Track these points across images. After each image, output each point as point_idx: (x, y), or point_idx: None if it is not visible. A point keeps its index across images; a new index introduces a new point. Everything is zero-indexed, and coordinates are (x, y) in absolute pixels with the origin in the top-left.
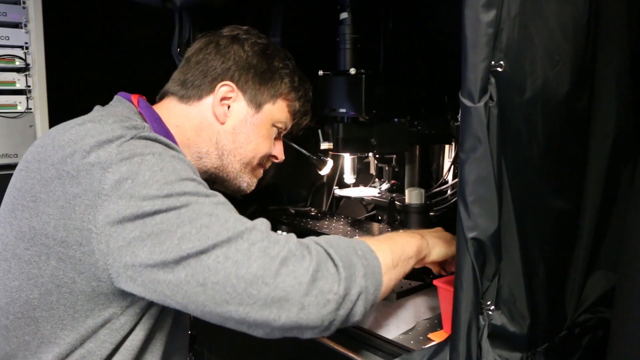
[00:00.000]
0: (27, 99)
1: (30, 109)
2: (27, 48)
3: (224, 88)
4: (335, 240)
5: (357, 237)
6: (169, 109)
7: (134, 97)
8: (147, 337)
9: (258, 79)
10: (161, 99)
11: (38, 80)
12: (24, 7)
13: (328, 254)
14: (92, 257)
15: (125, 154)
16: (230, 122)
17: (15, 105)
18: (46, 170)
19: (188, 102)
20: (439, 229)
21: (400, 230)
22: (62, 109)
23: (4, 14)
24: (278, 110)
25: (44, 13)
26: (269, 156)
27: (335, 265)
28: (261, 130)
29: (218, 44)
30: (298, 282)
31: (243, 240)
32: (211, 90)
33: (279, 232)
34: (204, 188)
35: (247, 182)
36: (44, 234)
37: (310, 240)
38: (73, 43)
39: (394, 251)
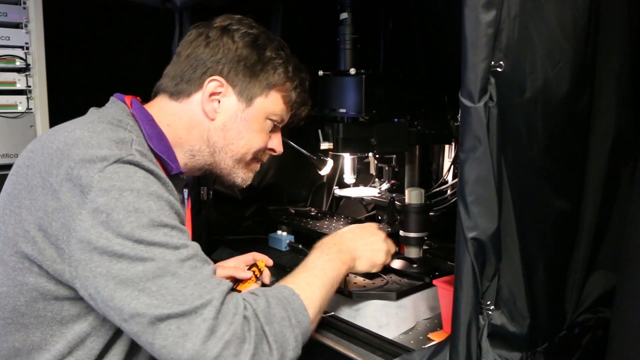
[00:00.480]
0: (28, 99)
1: (31, 109)
2: (27, 48)
3: (213, 83)
4: (273, 309)
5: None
6: (161, 108)
7: (128, 99)
8: (133, 340)
9: (248, 71)
10: (155, 96)
11: (38, 80)
12: (24, 8)
13: (264, 332)
14: (63, 274)
15: (105, 183)
16: (220, 118)
17: (15, 106)
18: (33, 177)
19: (178, 100)
20: (374, 238)
21: (334, 247)
22: (62, 109)
23: (5, 14)
24: (272, 103)
25: (44, 13)
26: (265, 150)
27: (270, 346)
28: (253, 124)
29: (208, 36)
30: None
31: (196, 315)
32: (200, 86)
33: (279, 232)
34: (176, 236)
35: (242, 177)
36: (24, 242)
37: (252, 312)
38: (73, 43)
39: (324, 294)
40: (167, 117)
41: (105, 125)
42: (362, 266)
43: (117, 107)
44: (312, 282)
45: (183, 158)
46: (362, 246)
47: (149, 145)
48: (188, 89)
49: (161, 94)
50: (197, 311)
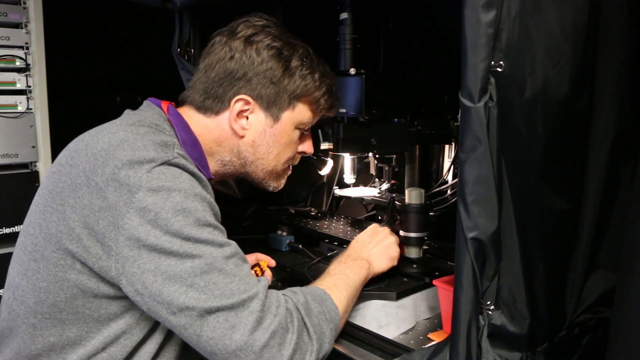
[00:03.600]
0: (28, 99)
1: (31, 109)
2: (27, 48)
3: (239, 103)
4: (311, 305)
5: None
6: (190, 117)
7: (164, 104)
8: (165, 339)
9: (274, 86)
10: (181, 104)
11: (38, 80)
12: (24, 8)
13: (305, 324)
14: (109, 271)
15: (154, 183)
16: (250, 135)
17: (15, 106)
18: (77, 176)
19: (206, 114)
20: (381, 235)
21: (351, 257)
22: (62, 109)
23: (5, 14)
24: (299, 113)
25: (44, 13)
26: (296, 155)
27: (310, 336)
28: (282, 138)
29: (231, 49)
30: (280, 355)
31: (244, 308)
32: (227, 105)
33: (279, 232)
34: (219, 234)
35: (274, 185)
36: (68, 239)
37: (293, 305)
38: (73, 43)
39: (349, 295)
40: (197, 127)
41: (147, 128)
42: (382, 265)
43: (153, 111)
44: (337, 284)
45: (214, 166)
46: (373, 248)
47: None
48: (215, 107)
49: (188, 105)
50: (244, 304)
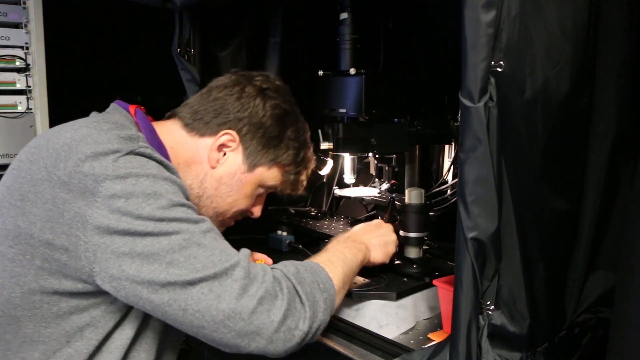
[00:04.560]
0: (28, 99)
1: (31, 109)
2: (27, 48)
3: (226, 136)
4: (303, 274)
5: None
6: (170, 130)
7: (132, 108)
8: (137, 331)
9: (264, 141)
10: (168, 118)
11: (38, 80)
12: (24, 8)
13: (297, 291)
14: (78, 262)
15: (121, 171)
16: (220, 170)
17: (15, 106)
18: (37, 172)
19: (190, 133)
20: (384, 229)
21: (350, 239)
22: (62, 109)
23: (4, 14)
24: (271, 176)
25: (44, 13)
26: (245, 211)
27: (302, 303)
28: (246, 188)
29: (243, 90)
30: (270, 320)
31: (227, 276)
32: (215, 133)
33: (279, 232)
34: (193, 213)
35: None
36: (29, 234)
37: (281, 274)
38: (73, 43)
39: (345, 271)
40: (173, 141)
41: (111, 124)
42: (378, 257)
43: (120, 114)
44: (333, 261)
45: None
46: (374, 238)
47: None
48: (203, 129)
49: (176, 119)
50: (227, 273)
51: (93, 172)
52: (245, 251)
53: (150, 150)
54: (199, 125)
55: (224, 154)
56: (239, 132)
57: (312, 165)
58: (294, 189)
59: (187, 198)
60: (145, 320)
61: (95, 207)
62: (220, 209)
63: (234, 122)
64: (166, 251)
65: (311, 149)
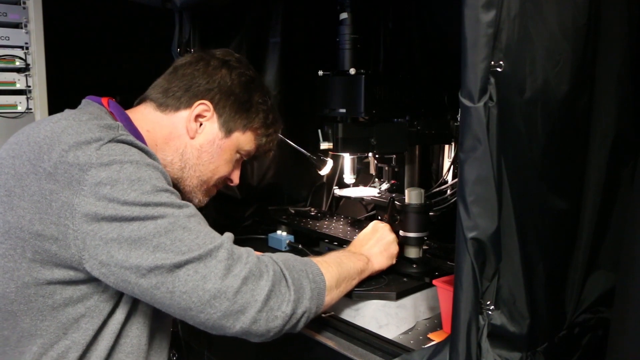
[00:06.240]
0: (27, 99)
1: (31, 109)
2: (27, 48)
3: (202, 106)
4: (292, 262)
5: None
6: (143, 114)
7: (104, 100)
8: (128, 315)
9: (236, 107)
10: (139, 103)
11: (38, 80)
12: (24, 8)
13: (283, 274)
14: (68, 250)
15: (105, 158)
16: (200, 139)
17: (15, 106)
18: (21, 166)
19: (164, 111)
20: (380, 232)
21: (349, 251)
22: (62, 109)
23: (4, 14)
24: (245, 140)
25: (44, 13)
26: (225, 179)
27: (288, 286)
28: (225, 154)
29: (208, 64)
30: (254, 300)
31: (211, 257)
32: (189, 105)
33: (278, 232)
34: (176, 198)
35: (199, 199)
36: (18, 228)
37: (270, 258)
38: (73, 43)
39: (340, 273)
40: (149, 123)
41: (89, 115)
42: (381, 263)
43: (93, 107)
44: (328, 262)
45: None
46: (373, 247)
47: None
48: (176, 104)
49: (147, 102)
50: (211, 254)
51: (78, 161)
52: (228, 234)
53: (131, 138)
54: (172, 102)
55: (201, 125)
56: (211, 101)
57: (280, 127)
58: (268, 151)
59: (169, 184)
60: (135, 304)
61: (82, 195)
62: (204, 177)
63: (206, 93)
64: (153, 235)
65: (277, 112)
